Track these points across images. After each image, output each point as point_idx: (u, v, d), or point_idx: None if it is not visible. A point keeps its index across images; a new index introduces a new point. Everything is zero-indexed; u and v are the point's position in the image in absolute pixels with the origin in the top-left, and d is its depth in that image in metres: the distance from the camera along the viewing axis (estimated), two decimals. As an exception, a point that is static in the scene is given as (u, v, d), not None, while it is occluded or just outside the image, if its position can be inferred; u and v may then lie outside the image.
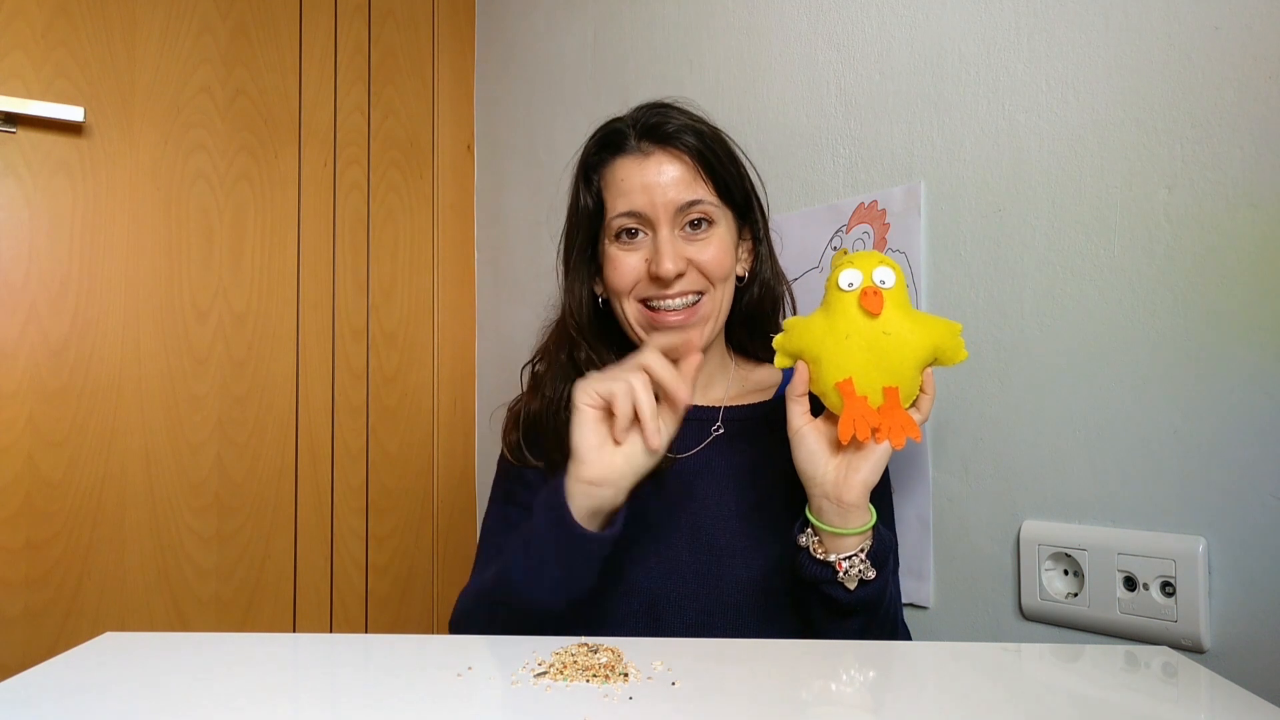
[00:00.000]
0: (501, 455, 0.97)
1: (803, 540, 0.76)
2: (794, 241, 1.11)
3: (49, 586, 1.39)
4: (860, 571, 0.74)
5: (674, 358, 0.77)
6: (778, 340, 0.78)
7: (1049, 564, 0.87)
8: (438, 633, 1.75)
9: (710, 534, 0.86)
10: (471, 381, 1.84)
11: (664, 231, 0.85)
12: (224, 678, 0.61)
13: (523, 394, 0.96)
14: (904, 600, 0.97)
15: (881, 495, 0.89)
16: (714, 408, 0.93)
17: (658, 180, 0.85)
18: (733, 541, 0.86)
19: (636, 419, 0.74)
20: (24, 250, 1.40)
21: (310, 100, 1.66)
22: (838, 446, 0.74)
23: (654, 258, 0.85)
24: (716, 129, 0.91)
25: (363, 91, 1.73)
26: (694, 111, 0.91)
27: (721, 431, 0.91)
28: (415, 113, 1.79)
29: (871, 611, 0.76)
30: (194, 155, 1.54)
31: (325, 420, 1.66)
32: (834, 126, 1.09)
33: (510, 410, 0.98)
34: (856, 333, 0.73)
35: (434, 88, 1.82)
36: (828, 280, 0.76)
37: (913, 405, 0.75)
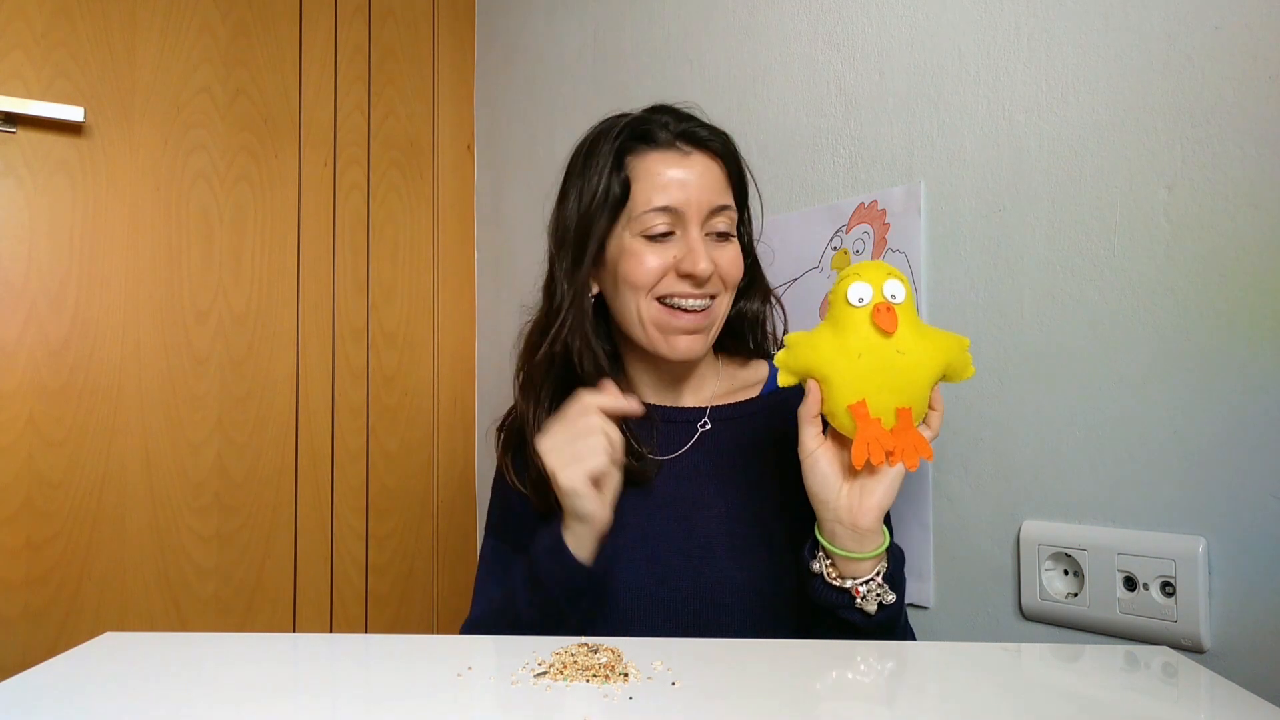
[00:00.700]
0: (498, 472, 0.97)
1: (815, 566, 0.75)
2: (794, 241, 1.11)
3: (49, 586, 1.39)
4: (879, 595, 0.73)
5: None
6: (780, 357, 0.74)
7: (1049, 564, 0.87)
8: (438, 633, 1.75)
9: (702, 535, 0.86)
10: (471, 381, 1.84)
11: (695, 231, 0.85)
12: (224, 678, 0.61)
13: (513, 408, 0.96)
14: (905, 601, 0.97)
15: None
16: (702, 408, 0.93)
17: (696, 180, 0.85)
18: (724, 542, 0.85)
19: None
20: (24, 250, 1.40)
21: (310, 100, 1.66)
22: (851, 470, 0.72)
23: (687, 256, 0.84)
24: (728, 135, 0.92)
25: (363, 91, 1.73)
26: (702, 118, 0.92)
27: (708, 428, 0.90)
28: (415, 113, 1.79)
29: (888, 633, 0.75)
30: (194, 155, 1.54)
31: (325, 420, 1.66)
32: (834, 126, 1.09)
33: (500, 429, 0.98)
34: (869, 351, 0.70)
35: (434, 88, 1.82)
36: (832, 294, 0.73)
37: (923, 423, 0.73)
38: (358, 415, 1.70)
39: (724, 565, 0.84)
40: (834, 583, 0.74)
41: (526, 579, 0.80)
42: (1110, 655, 0.67)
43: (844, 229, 1.06)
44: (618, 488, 0.80)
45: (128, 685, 0.59)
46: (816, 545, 0.75)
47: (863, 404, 0.70)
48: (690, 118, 0.90)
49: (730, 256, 0.87)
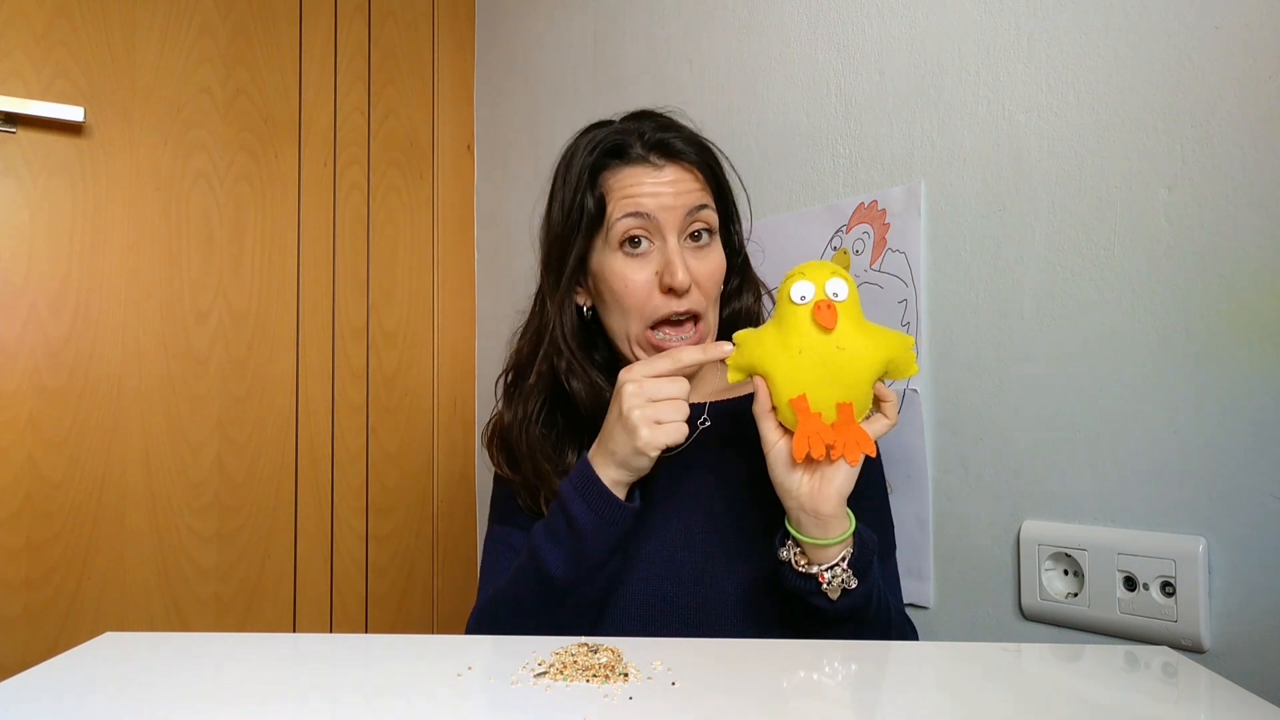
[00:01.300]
0: (495, 472, 0.97)
1: (784, 554, 0.76)
2: (794, 241, 1.11)
3: (49, 586, 1.39)
4: (844, 581, 0.74)
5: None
6: (731, 355, 0.77)
7: (1049, 564, 0.87)
8: (438, 633, 1.75)
9: (703, 532, 0.86)
10: (471, 381, 1.84)
11: (672, 240, 0.85)
12: (224, 678, 0.61)
13: (496, 408, 0.96)
14: (904, 600, 0.97)
15: (877, 497, 0.89)
16: (702, 404, 0.93)
17: (669, 189, 0.85)
18: (726, 536, 0.86)
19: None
20: (24, 250, 1.40)
21: (310, 100, 1.66)
22: (809, 460, 0.74)
23: (665, 268, 0.84)
24: (708, 140, 0.92)
25: (363, 91, 1.73)
26: (684, 122, 0.91)
27: (708, 424, 0.90)
28: (415, 113, 1.79)
29: (859, 619, 0.76)
30: (194, 155, 1.54)
31: (325, 420, 1.66)
32: (834, 126, 1.09)
33: (489, 426, 0.98)
34: (810, 348, 0.72)
35: (434, 88, 1.82)
36: (779, 292, 0.75)
37: (880, 413, 0.75)
38: (358, 415, 1.70)
39: (726, 559, 0.84)
40: (801, 569, 0.75)
41: (550, 535, 0.81)
42: (1110, 655, 0.67)
43: (844, 229, 1.06)
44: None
45: (128, 685, 0.59)
46: (787, 534, 0.77)
47: (803, 399, 0.72)
48: (669, 127, 0.89)
49: (710, 267, 0.87)
